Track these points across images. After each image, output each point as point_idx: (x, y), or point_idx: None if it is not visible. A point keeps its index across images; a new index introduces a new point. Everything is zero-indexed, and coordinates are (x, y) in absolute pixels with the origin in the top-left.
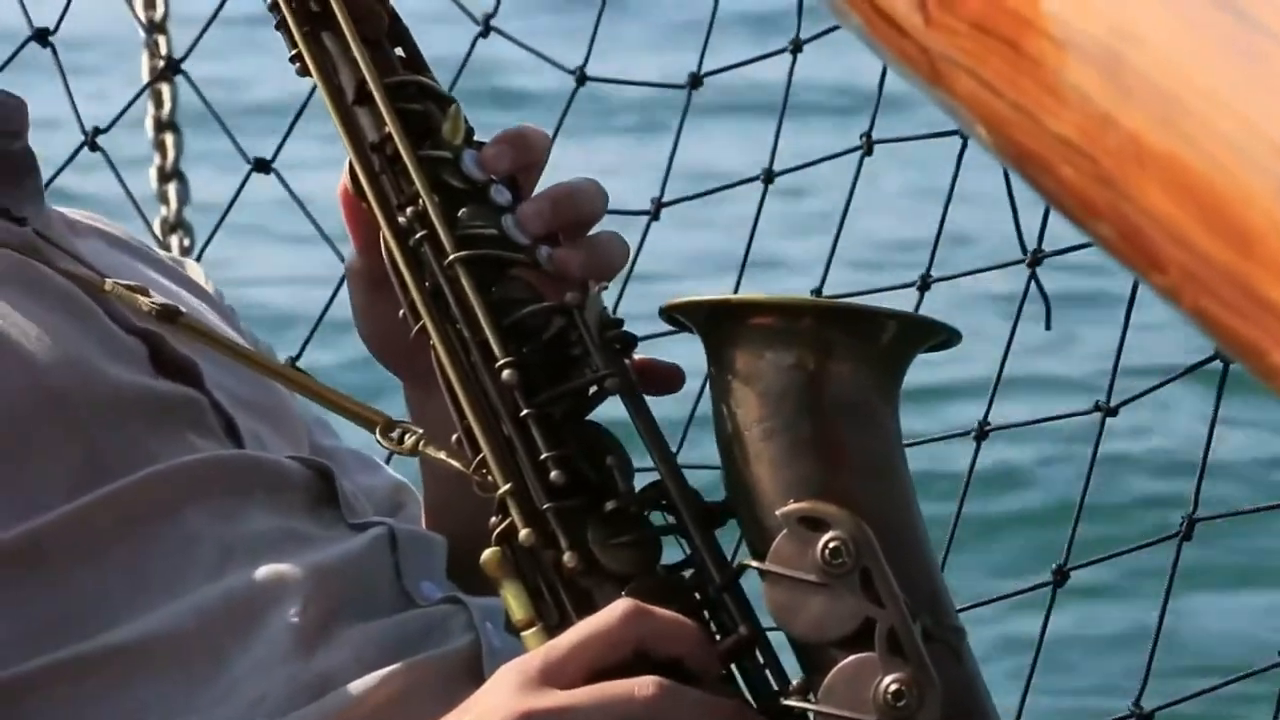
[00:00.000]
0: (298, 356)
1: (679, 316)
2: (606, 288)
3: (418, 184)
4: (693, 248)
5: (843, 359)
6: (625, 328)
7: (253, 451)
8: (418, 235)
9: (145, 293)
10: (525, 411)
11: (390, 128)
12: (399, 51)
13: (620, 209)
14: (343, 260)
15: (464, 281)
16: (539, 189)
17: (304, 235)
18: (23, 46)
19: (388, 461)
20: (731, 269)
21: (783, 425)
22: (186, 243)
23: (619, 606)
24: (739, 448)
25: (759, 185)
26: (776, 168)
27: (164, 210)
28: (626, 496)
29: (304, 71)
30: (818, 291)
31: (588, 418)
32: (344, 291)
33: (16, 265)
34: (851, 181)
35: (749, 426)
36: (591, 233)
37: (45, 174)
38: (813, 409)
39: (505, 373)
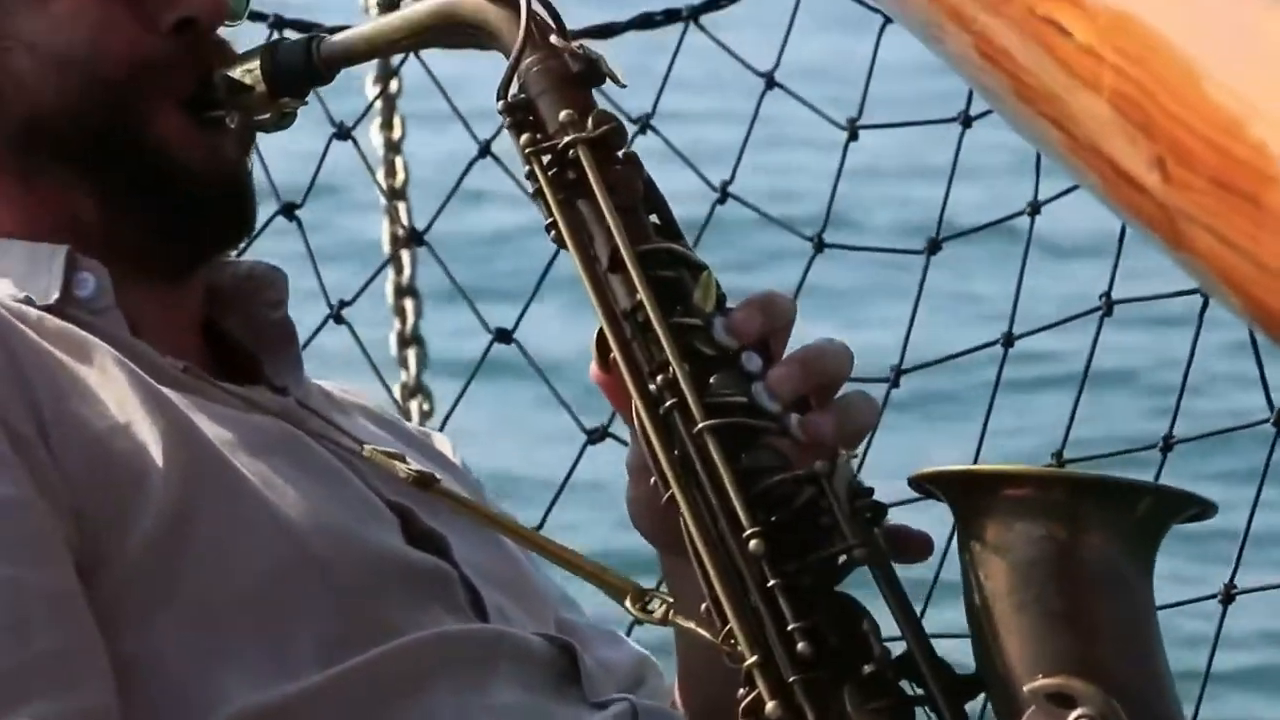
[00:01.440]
0: (540, 525)
1: (929, 486)
2: (856, 455)
3: (668, 352)
4: (930, 414)
5: (1096, 531)
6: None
7: (498, 626)
8: (668, 403)
9: (402, 459)
10: (772, 582)
11: (642, 295)
12: (653, 218)
13: (859, 376)
14: (583, 428)
15: (712, 450)
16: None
17: (544, 401)
18: (271, 220)
19: (629, 633)
20: (970, 434)
21: (1033, 598)
22: (426, 407)
23: None
24: (988, 619)
25: (999, 349)
26: (1016, 330)
27: (403, 375)
28: (883, 661)
29: (559, 240)
30: (1058, 454)
31: (836, 588)
32: (586, 459)
33: (280, 433)
34: (1092, 342)
35: (999, 598)
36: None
37: None
38: (1064, 581)
39: (753, 543)
